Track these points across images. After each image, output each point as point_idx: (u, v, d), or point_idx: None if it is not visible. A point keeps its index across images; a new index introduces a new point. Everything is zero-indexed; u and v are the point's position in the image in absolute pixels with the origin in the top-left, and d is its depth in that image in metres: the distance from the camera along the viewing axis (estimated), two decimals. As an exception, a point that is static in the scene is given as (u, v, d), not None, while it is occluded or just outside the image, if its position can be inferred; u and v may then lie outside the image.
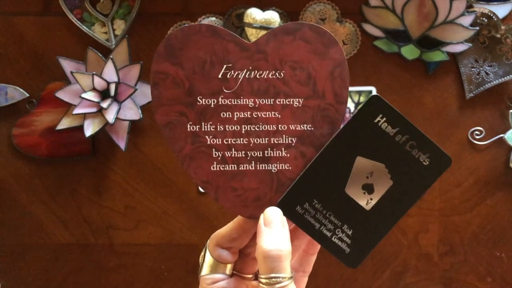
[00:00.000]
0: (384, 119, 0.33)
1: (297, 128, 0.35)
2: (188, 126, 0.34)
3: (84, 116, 0.67)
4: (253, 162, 0.35)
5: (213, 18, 0.70)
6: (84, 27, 0.70)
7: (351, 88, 0.70)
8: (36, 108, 0.71)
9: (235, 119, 0.34)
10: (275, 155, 0.35)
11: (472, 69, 0.69)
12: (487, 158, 0.70)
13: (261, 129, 0.35)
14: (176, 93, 0.34)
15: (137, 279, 0.73)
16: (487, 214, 0.71)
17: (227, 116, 0.34)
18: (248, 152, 0.34)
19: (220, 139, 0.34)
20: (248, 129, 0.34)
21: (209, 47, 0.34)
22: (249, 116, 0.34)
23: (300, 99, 0.35)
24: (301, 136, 0.34)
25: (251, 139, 0.34)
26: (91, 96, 0.66)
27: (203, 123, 0.34)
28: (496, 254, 0.71)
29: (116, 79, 0.67)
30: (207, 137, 0.34)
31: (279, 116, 0.35)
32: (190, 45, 0.34)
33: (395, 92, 0.71)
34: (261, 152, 0.35)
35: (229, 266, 0.36)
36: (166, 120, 0.34)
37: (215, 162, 0.35)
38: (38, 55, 0.71)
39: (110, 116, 0.66)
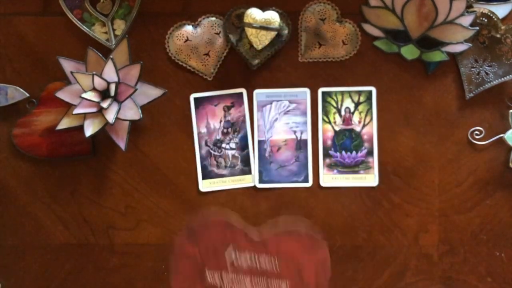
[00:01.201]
0: None
1: None
2: None
3: (84, 116, 0.67)
4: None
5: (213, 18, 0.70)
6: (84, 27, 0.70)
7: (351, 88, 0.71)
8: (36, 108, 0.71)
9: None
10: None
11: (472, 69, 0.69)
12: (487, 158, 0.70)
13: None
14: (190, 265, 0.42)
15: (137, 279, 0.73)
16: (487, 214, 0.71)
17: None
18: None
19: None
20: None
21: (221, 235, 0.43)
22: None
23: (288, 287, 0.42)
24: None
25: None
26: (91, 96, 0.66)
27: None
28: (496, 254, 0.71)
29: (116, 79, 0.67)
30: None
31: None
32: (207, 231, 0.42)
33: (395, 92, 0.71)
34: None
35: None
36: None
37: None
38: (38, 55, 0.71)
39: (110, 116, 0.66)
